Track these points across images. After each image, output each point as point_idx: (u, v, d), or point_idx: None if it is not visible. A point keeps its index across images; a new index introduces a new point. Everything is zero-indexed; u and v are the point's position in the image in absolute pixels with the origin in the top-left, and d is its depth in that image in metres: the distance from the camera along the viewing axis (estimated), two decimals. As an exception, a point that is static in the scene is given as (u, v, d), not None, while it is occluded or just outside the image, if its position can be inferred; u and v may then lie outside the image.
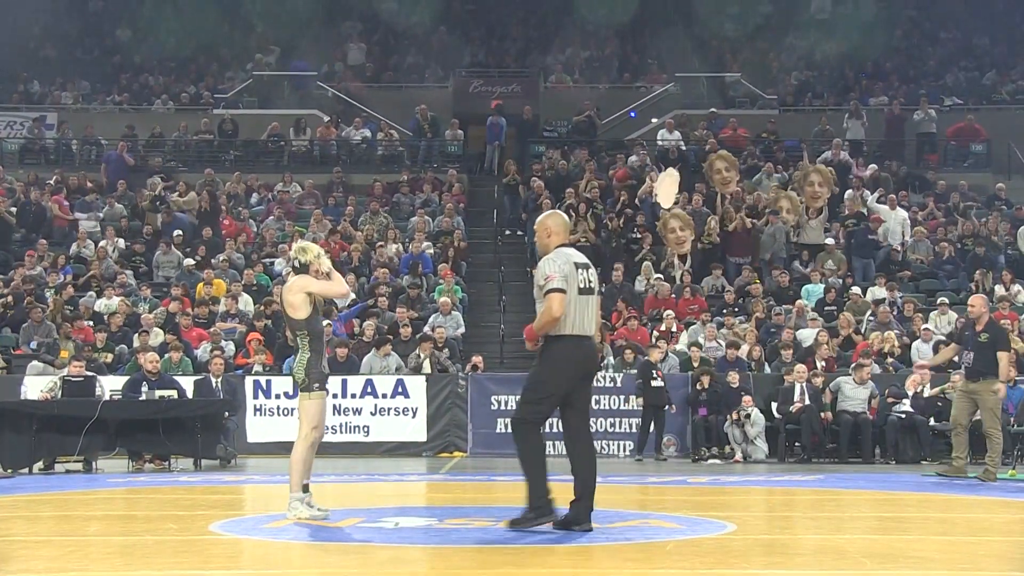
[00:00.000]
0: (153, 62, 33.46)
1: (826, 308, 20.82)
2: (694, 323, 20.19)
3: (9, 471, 14.81)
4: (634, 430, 17.97)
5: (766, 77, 32.31)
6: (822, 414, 17.44)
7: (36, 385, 16.90)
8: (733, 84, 31.46)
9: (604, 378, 18.36)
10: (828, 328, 19.84)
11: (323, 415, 9.21)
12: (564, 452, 8.67)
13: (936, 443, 17.74)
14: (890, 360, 19.00)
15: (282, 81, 31.69)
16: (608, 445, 18.20)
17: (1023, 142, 28.39)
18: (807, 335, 19.63)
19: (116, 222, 24.07)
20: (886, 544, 8.10)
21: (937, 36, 35.03)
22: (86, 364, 16.96)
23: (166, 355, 18.24)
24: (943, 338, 19.22)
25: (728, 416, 17.49)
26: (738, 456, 17.36)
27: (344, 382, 17.89)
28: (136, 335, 19.26)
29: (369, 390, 18.17)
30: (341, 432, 17.98)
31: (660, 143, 27.36)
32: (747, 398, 17.47)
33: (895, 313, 20.50)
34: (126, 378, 16.57)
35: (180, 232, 23.21)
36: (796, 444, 17.80)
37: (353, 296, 20.32)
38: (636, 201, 23.99)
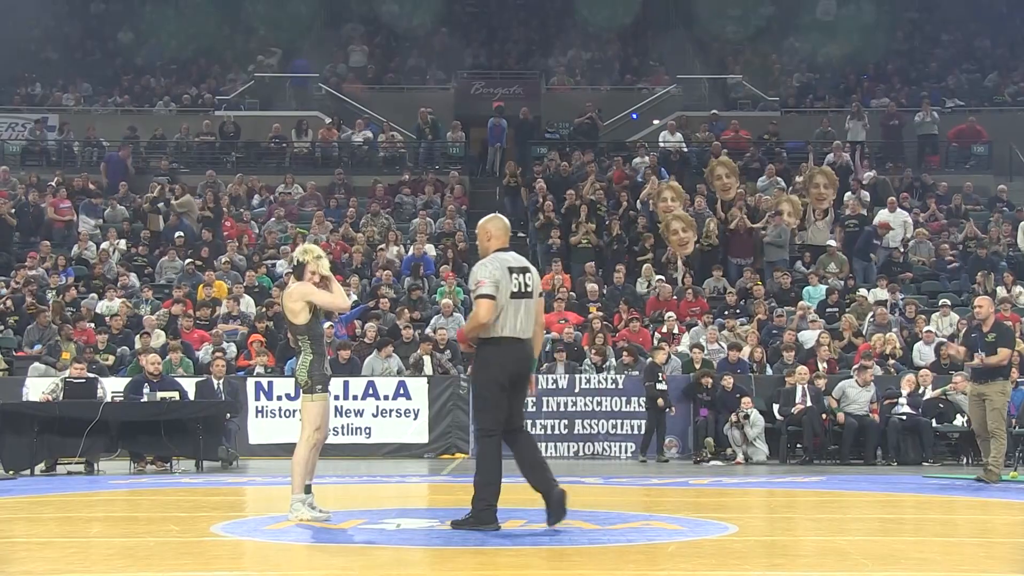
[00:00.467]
0: (155, 64, 33.48)
1: (828, 310, 20.82)
2: (696, 325, 20.19)
3: (11, 472, 14.82)
4: (635, 431, 17.97)
5: (768, 79, 32.31)
6: (835, 415, 17.39)
7: (38, 387, 16.91)
8: (735, 86, 31.46)
9: (606, 379, 18.38)
10: (830, 330, 19.85)
11: (326, 417, 9.21)
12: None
13: (938, 445, 17.75)
14: (891, 362, 19.00)
15: (283, 83, 31.71)
16: (610, 447, 18.21)
17: (1024, 143, 28.44)
18: (809, 337, 19.63)
19: (118, 224, 24.10)
20: (887, 546, 8.10)
21: (938, 38, 35.01)
22: (87, 366, 16.97)
23: (167, 356, 18.26)
24: (944, 340, 19.24)
25: (728, 419, 17.48)
26: (739, 458, 17.35)
27: (346, 384, 17.90)
28: (138, 337, 19.28)
29: (371, 392, 18.18)
30: (343, 434, 17.98)
31: (662, 145, 27.38)
32: (746, 400, 17.47)
33: (897, 315, 20.50)
34: (128, 380, 16.58)
35: (181, 234, 23.23)
36: (798, 446, 17.80)
37: (355, 298, 20.33)
38: (638, 203, 24.00)
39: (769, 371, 18.92)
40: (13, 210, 24.26)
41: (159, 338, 19.40)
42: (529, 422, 18.06)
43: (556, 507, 8.37)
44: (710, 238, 22.42)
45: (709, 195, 23.30)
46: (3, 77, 32.68)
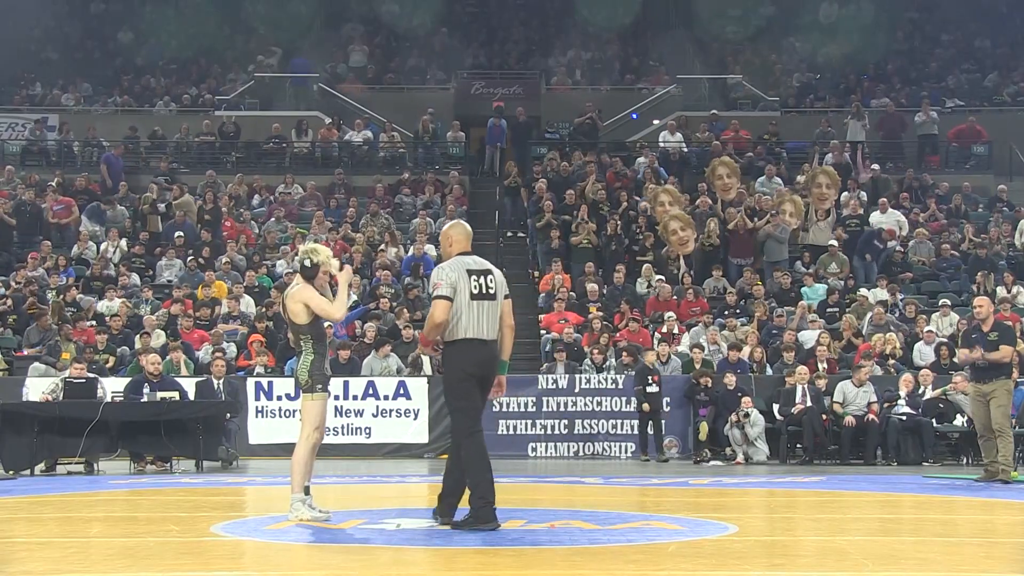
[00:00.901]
0: (155, 64, 33.48)
1: (828, 310, 20.83)
2: (696, 325, 20.20)
3: (11, 473, 14.82)
4: (635, 431, 17.98)
5: (768, 79, 32.31)
6: (842, 418, 17.38)
7: (38, 387, 16.91)
8: (735, 86, 31.46)
9: (606, 380, 18.39)
10: (830, 330, 19.86)
11: (324, 416, 9.22)
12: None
13: (939, 445, 17.75)
14: (891, 362, 19.01)
15: (283, 83, 31.71)
16: (609, 447, 18.23)
17: (1024, 144, 28.45)
18: (809, 337, 19.63)
19: (119, 224, 24.10)
20: (887, 546, 8.10)
21: (938, 38, 35.02)
22: (87, 366, 16.97)
23: (167, 356, 18.27)
24: (945, 340, 19.25)
25: (728, 418, 17.48)
26: (739, 458, 17.36)
27: (346, 384, 17.90)
28: (137, 337, 19.28)
29: (371, 392, 18.19)
30: (343, 434, 17.99)
31: (662, 145, 27.39)
32: (746, 399, 17.47)
33: (897, 315, 20.50)
34: (128, 380, 16.58)
35: (181, 234, 23.24)
36: (798, 446, 17.80)
37: (355, 298, 20.34)
38: (639, 204, 23.98)
39: (769, 371, 18.92)
40: (11, 210, 24.25)
41: (159, 338, 19.40)
42: (529, 422, 18.17)
43: (448, 514, 8.57)
44: (711, 238, 22.42)
45: (710, 195, 23.29)
46: (3, 77, 32.68)
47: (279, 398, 17.99)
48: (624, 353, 18.81)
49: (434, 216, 24.54)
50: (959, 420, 17.42)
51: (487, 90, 31.46)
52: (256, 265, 22.34)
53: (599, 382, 18.41)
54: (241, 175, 26.57)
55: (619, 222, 23.12)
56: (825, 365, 18.57)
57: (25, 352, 19.49)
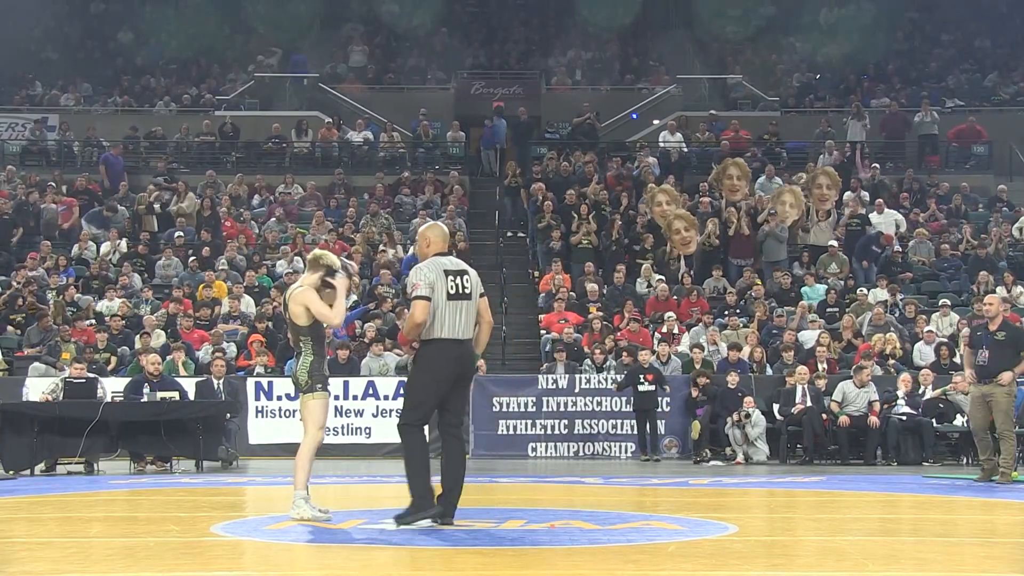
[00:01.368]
0: (155, 64, 33.49)
1: (828, 310, 20.83)
2: (696, 325, 20.20)
3: (11, 472, 14.83)
4: (635, 431, 17.99)
5: (768, 79, 32.31)
6: (838, 418, 17.39)
7: (38, 387, 16.91)
8: (735, 86, 31.47)
9: (606, 379, 18.40)
10: (830, 330, 19.86)
11: (326, 416, 9.26)
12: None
13: (939, 445, 17.74)
14: (891, 362, 19.01)
15: (283, 83, 31.71)
16: (609, 447, 18.24)
17: (1024, 144, 28.47)
18: (808, 337, 19.63)
19: (119, 224, 24.09)
20: (887, 546, 8.10)
21: (938, 38, 35.03)
22: (87, 366, 16.97)
23: (169, 357, 18.27)
24: (945, 340, 19.24)
25: (728, 418, 17.49)
26: (739, 458, 17.36)
27: (346, 384, 17.90)
28: (138, 337, 19.29)
29: (371, 392, 18.19)
30: (343, 434, 18.00)
31: (662, 145, 27.40)
32: (748, 399, 17.47)
33: (896, 315, 20.50)
34: (128, 380, 16.58)
35: (181, 234, 23.24)
36: (798, 446, 17.80)
37: (355, 298, 20.35)
38: (638, 204, 23.99)
39: (769, 371, 18.92)
40: (10, 211, 24.23)
41: (159, 338, 19.40)
42: (529, 422, 18.17)
43: (447, 513, 8.62)
44: (711, 238, 22.42)
45: (712, 195, 23.29)
46: (3, 77, 32.69)
47: (279, 398, 18.00)
48: (624, 353, 18.82)
49: (434, 216, 24.52)
50: (959, 420, 17.41)
51: (487, 90, 31.48)
52: (256, 265, 22.34)
53: (599, 382, 18.41)
54: (241, 175, 26.58)
55: (620, 222, 23.12)
56: (825, 365, 18.57)
57: (25, 352, 19.49)
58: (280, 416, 17.96)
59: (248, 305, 20.76)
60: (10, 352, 19.63)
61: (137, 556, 7.60)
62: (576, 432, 18.27)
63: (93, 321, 20.12)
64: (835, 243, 22.51)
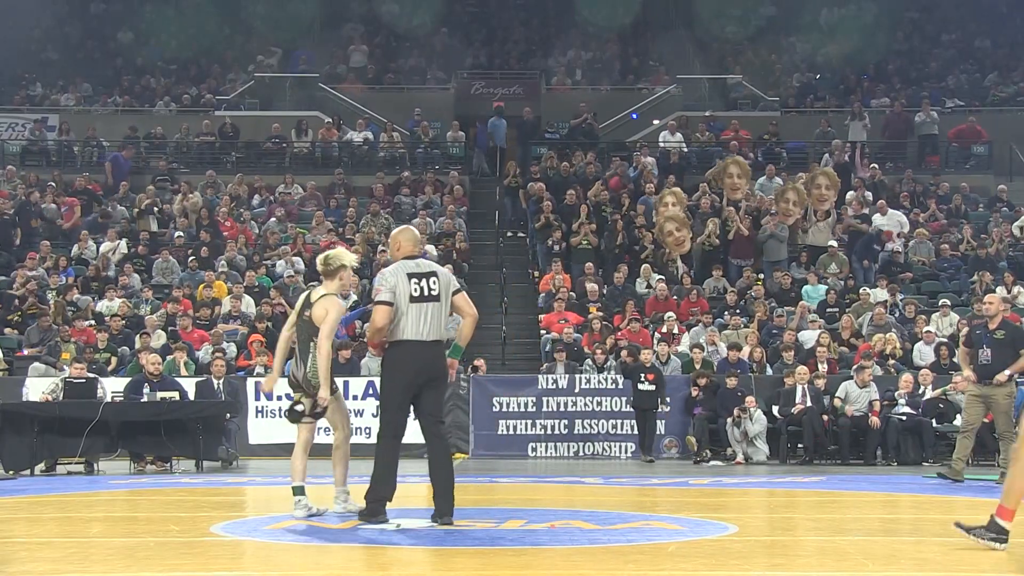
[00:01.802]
0: (155, 64, 33.48)
1: (828, 310, 20.83)
2: (695, 325, 20.20)
3: (11, 473, 14.83)
4: (635, 431, 17.98)
5: (768, 79, 32.31)
6: (843, 411, 17.37)
7: (38, 387, 16.91)
8: (735, 86, 31.46)
9: (606, 379, 18.40)
10: (829, 330, 19.86)
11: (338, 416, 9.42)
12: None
13: (939, 445, 17.73)
14: (891, 362, 19.01)
15: (283, 83, 31.71)
16: (610, 447, 18.23)
17: (1024, 144, 28.47)
18: (808, 337, 19.63)
19: (117, 224, 24.09)
20: (887, 546, 8.10)
21: (939, 38, 35.03)
22: (87, 366, 16.97)
23: (170, 357, 18.27)
24: (945, 340, 19.23)
25: (729, 418, 17.48)
26: (739, 458, 17.36)
27: (346, 384, 17.85)
28: (137, 337, 19.28)
29: (371, 392, 18.16)
30: (343, 434, 17.97)
31: (662, 145, 27.40)
32: (750, 399, 17.46)
33: (896, 315, 20.50)
34: (128, 380, 16.58)
35: (181, 234, 23.24)
36: (798, 445, 17.79)
37: (355, 298, 20.34)
38: (637, 205, 23.98)
39: (769, 371, 18.92)
40: (10, 211, 24.24)
41: (160, 338, 19.40)
42: (529, 422, 18.17)
43: (444, 513, 8.67)
44: (711, 238, 22.42)
45: (714, 195, 23.28)
46: (3, 77, 32.70)
47: (279, 398, 17.95)
48: (625, 353, 18.81)
49: (434, 216, 24.54)
50: (959, 420, 17.38)
51: (487, 90, 31.48)
52: (256, 265, 22.33)
53: (599, 382, 18.41)
54: (241, 175, 26.57)
55: (620, 222, 23.12)
56: (825, 365, 18.56)
57: (25, 352, 19.49)
58: (280, 416, 17.90)
59: (248, 305, 20.75)
60: (10, 352, 19.63)
61: (137, 556, 7.60)
62: (576, 432, 18.26)
63: (92, 321, 20.12)
64: (835, 243, 22.50)
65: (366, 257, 22.55)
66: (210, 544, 8.14)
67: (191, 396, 16.30)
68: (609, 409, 18.23)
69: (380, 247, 22.93)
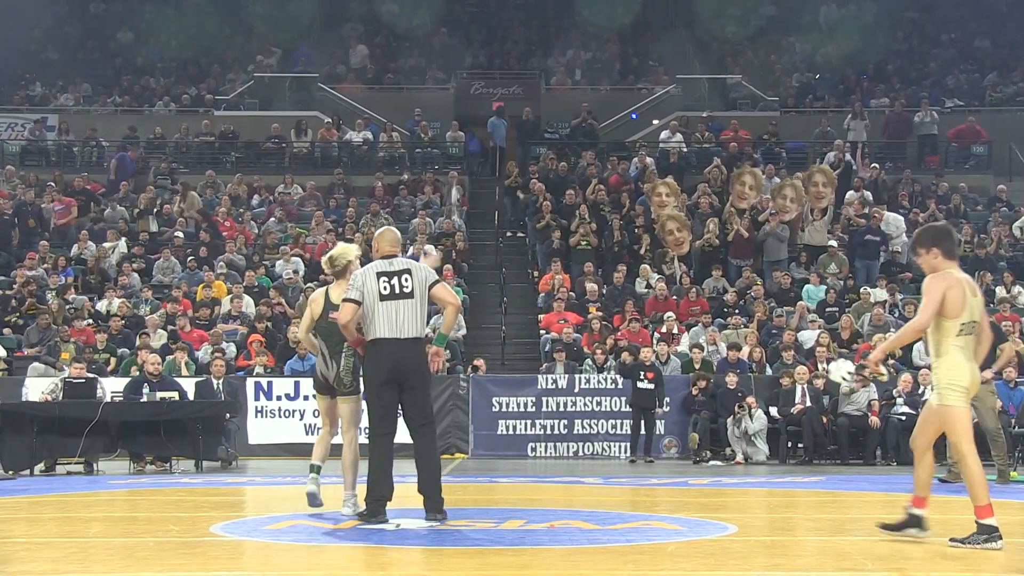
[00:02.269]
0: (154, 64, 33.49)
1: (827, 310, 20.82)
2: (695, 325, 20.20)
3: (10, 473, 14.83)
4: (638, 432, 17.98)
5: (767, 79, 32.31)
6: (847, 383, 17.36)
7: (37, 387, 16.91)
8: (735, 86, 31.46)
9: (606, 379, 18.39)
10: (829, 330, 19.85)
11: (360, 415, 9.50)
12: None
13: (938, 445, 17.70)
14: (891, 362, 19.00)
15: (283, 83, 31.71)
16: (609, 447, 18.23)
17: (1024, 144, 28.47)
18: (808, 337, 19.63)
19: (116, 224, 24.08)
20: (887, 546, 8.09)
21: (938, 38, 35.04)
22: (87, 366, 16.96)
23: (170, 357, 18.26)
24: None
25: (730, 417, 17.47)
26: (739, 457, 17.36)
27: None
28: (137, 337, 19.27)
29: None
30: (343, 434, 17.97)
31: (662, 144, 27.41)
32: (750, 399, 17.46)
33: (896, 315, 20.50)
34: (127, 380, 16.58)
35: (180, 235, 23.24)
36: (798, 445, 17.80)
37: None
38: (636, 205, 23.99)
39: (769, 371, 18.92)
40: (9, 211, 24.23)
41: (160, 338, 19.40)
42: (528, 422, 18.17)
43: (433, 509, 8.82)
44: (711, 238, 22.41)
45: (714, 195, 23.28)
46: (3, 77, 32.70)
47: (279, 398, 17.99)
48: (625, 353, 18.81)
49: (433, 216, 24.53)
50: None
51: (487, 90, 31.49)
52: (255, 265, 22.32)
53: (599, 382, 18.41)
54: (240, 175, 26.57)
55: (620, 222, 23.12)
56: (825, 365, 18.55)
57: (25, 352, 19.48)
58: (280, 416, 17.96)
59: (248, 305, 20.75)
60: (10, 352, 19.62)
61: (137, 556, 7.60)
62: (576, 432, 18.27)
63: (90, 321, 20.11)
64: (834, 243, 22.50)
65: (366, 257, 22.52)
66: (210, 544, 8.13)
67: (191, 396, 16.30)
68: (608, 409, 18.24)
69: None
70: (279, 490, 12.78)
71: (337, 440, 9.66)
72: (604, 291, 21.60)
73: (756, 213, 22.71)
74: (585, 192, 24.14)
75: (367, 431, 9.13)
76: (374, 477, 8.83)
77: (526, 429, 18.28)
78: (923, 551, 7.82)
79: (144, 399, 15.56)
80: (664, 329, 19.85)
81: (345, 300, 8.81)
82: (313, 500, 9.34)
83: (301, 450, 15.12)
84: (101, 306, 20.89)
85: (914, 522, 8.08)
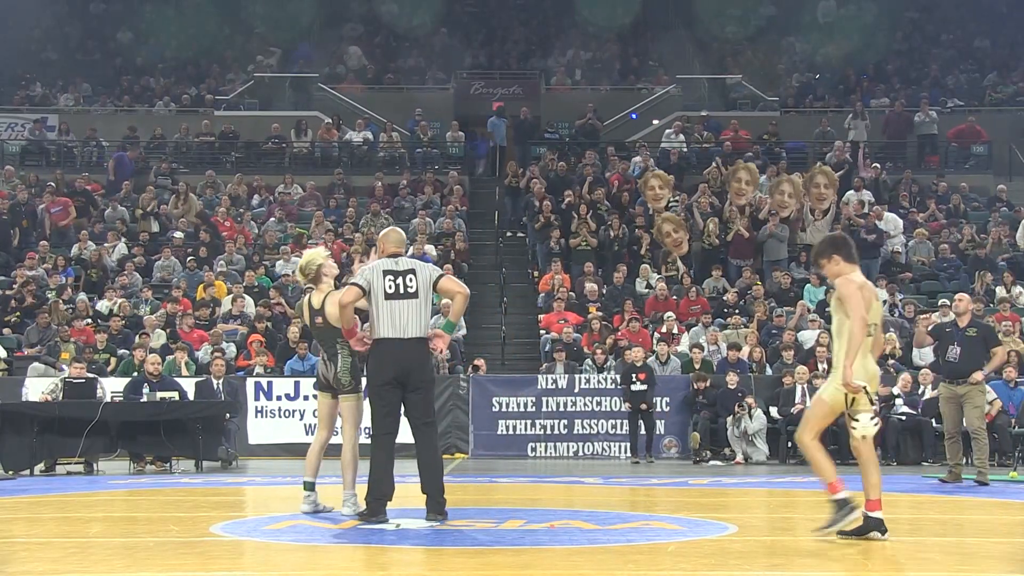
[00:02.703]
0: (154, 64, 33.47)
1: (827, 310, 20.78)
2: (695, 325, 20.19)
3: (10, 473, 14.82)
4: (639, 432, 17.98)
5: (767, 79, 32.31)
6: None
7: (37, 387, 16.91)
8: (735, 86, 31.45)
9: (606, 379, 18.39)
10: (829, 330, 19.80)
11: (362, 414, 9.53)
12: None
13: (938, 445, 17.72)
14: (891, 362, 19.01)
15: (283, 83, 31.71)
16: (609, 447, 18.22)
17: (1024, 144, 28.47)
18: (808, 337, 19.63)
19: (113, 225, 24.07)
20: (888, 546, 8.09)
21: (938, 38, 35.04)
22: (87, 366, 16.96)
23: (170, 357, 18.26)
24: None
25: (730, 417, 17.47)
26: (739, 457, 17.36)
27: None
28: (137, 337, 19.27)
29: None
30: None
31: (663, 144, 27.40)
32: (750, 399, 17.46)
33: (896, 315, 20.50)
34: (127, 380, 16.58)
35: (180, 235, 23.23)
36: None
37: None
38: (635, 205, 23.98)
39: (769, 371, 18.92)
40: (9, 210, 24.21)
41: (159, 338, 19.40)
42: (528, 422, 18.17)
43: (434, 509, 8.86)
44: (711, 238, 22.41)
45: (715, 195, 23.27)
46: (3, 77, 32.69)
47: (279, 398, 17.99)
48: (626, 353, 18.80)
49: (433, 216, 24.53)
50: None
51: (487, 90, 31.48)
52: (255, 265, 22.33)
53: (599, 382, 18.41)
54: (240, 175, 26.56)
55: (620, 222, 23.12)
56: (825, 365, 18.54)
57: (25, 352, 19.48)
58: (279, 416, 17.95)
59: (248, 305, 20.75)
60: (10, 352, 19.62)
61: (136, 556, 7.60)
62: (575, 432, 18.26)
63: (90, 321, 20.10)
64: (834, 243, 22.43)
65: (366, 257, 22.50)
66: (210, 544, 8.14)
67: (191, 396, 16.30)
68: (608, 409, 18.23)
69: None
70: (279, 490, 12.78)
71: (336, 440, 9.64)
72: (604, 291, 21.60)
73: (756, 212, 22.71)
74: (582, 190, 24.10)
75: (369, 431, 9.13)
76: (376, 476, 8.85)
77: (526, 429, 18.28)
78: (923, 551, 7.82)
79: (144, 399, 15.56)
80: (664, 329, 19.84)
81: (351, 284, 8.84)
82: (316, 515, 9.33)
83: (301, 450, 15.04)
84: (101, 306, 20.88)
85: (874, 525, 7.99)
